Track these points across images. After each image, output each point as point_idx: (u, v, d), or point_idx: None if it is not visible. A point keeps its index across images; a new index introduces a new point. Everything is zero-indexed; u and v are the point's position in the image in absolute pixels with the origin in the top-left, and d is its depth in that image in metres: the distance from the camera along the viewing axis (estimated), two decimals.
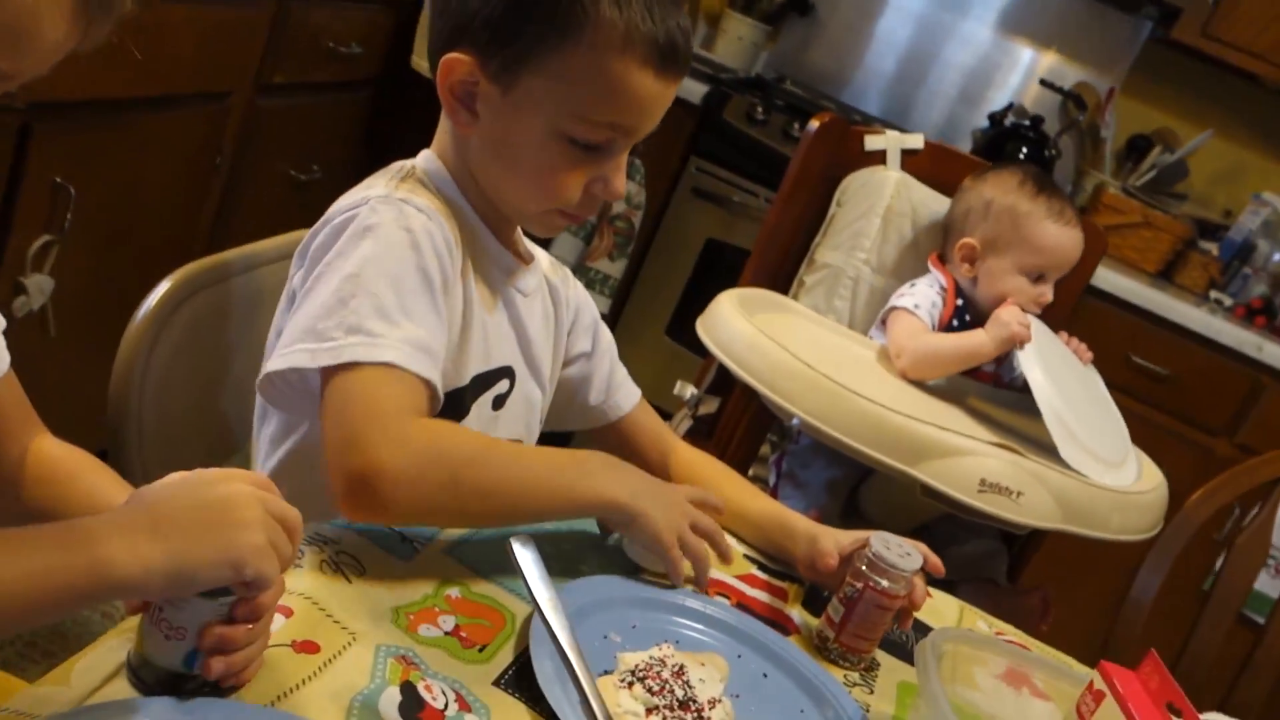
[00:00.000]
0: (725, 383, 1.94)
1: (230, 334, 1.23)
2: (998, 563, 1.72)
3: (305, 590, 0.85)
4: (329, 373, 0.93)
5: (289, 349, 0.95)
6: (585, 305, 1.28)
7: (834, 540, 1.12)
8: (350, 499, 0.89)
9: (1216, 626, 1.60)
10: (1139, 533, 1.51)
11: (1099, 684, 0.93)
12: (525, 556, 0.74)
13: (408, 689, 0.79)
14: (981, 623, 1.27)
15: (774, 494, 1.78)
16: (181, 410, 1.18)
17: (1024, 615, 1.64)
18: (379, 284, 0.95)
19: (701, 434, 1.93)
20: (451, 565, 0.96)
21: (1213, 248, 3.13)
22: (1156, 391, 2.80)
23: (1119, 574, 1.73)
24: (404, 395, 0.93)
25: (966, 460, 1.42)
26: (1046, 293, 1.72)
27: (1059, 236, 1.71)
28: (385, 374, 0.93)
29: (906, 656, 1.14)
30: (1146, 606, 1.61)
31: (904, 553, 1.06)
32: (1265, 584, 2.24)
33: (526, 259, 1.18)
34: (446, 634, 0.88)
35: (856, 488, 1.71)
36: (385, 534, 0.97)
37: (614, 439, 1.31)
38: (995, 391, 1.77)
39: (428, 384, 0.95)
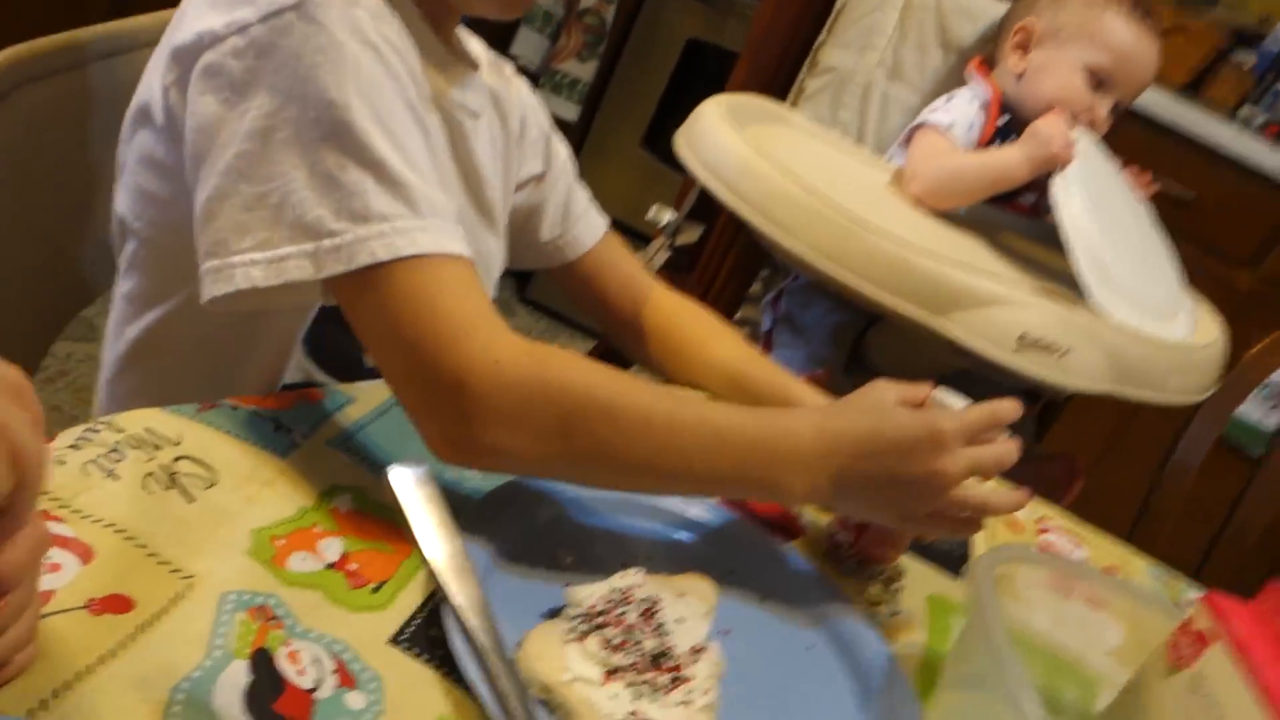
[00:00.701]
0: (709, 207, 1.65)
1: (78, 143, 0.94)
2: (1025, 422, 1.50)
3: (117, 517, 0.60)
4: (344, 281, 0.67)
5: (265, 252, 0.66)
6: (533, 112, 0.99)
7: None
8: (445, 434, 0.66)
9: (1267, 499, 1.40)
10: (1197, 393, 1.28)
11: (1202, 622, 0.70)
12: (410, 492, 0.49)
13: (261, 662, 0.55)
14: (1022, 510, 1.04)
15: (768, 341, 1.53)
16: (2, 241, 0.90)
17: (1047, 485, 1.42)
18: (370, 138, 0.67)
19: (681, 267, 1.67)
20: (343, 463, 0.71)
21: (1248, 59, 2.82)
22: (1176, 217, 2.53)
23: (1158, 435, 1.51)
24: (464, 291, 0.68)
25: (1004, 311, 1.16)
26: (1102, 106, 1.43)
27: (1138, 40, 1.40)
28: (426, 268, 0.67)
29: (938, 558, 0.91)
30: (1192, 472, 1.39)
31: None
32: None
33: (471, 64, 0.88)
34: (329, 567, 0.63)
35: (864, 333, 1.47)
36: (254, 421, 0.71)
37: (573, 282, 1.04)
38: (1036, 225, 1.50)
39: (471, 264, 0.70)
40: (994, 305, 1.16)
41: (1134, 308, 1.25)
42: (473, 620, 0.46)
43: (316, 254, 0.66)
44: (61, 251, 0.97)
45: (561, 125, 1.10)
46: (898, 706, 0.71)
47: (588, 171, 1.15)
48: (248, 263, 0.66)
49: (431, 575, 0.47)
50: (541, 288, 2.86)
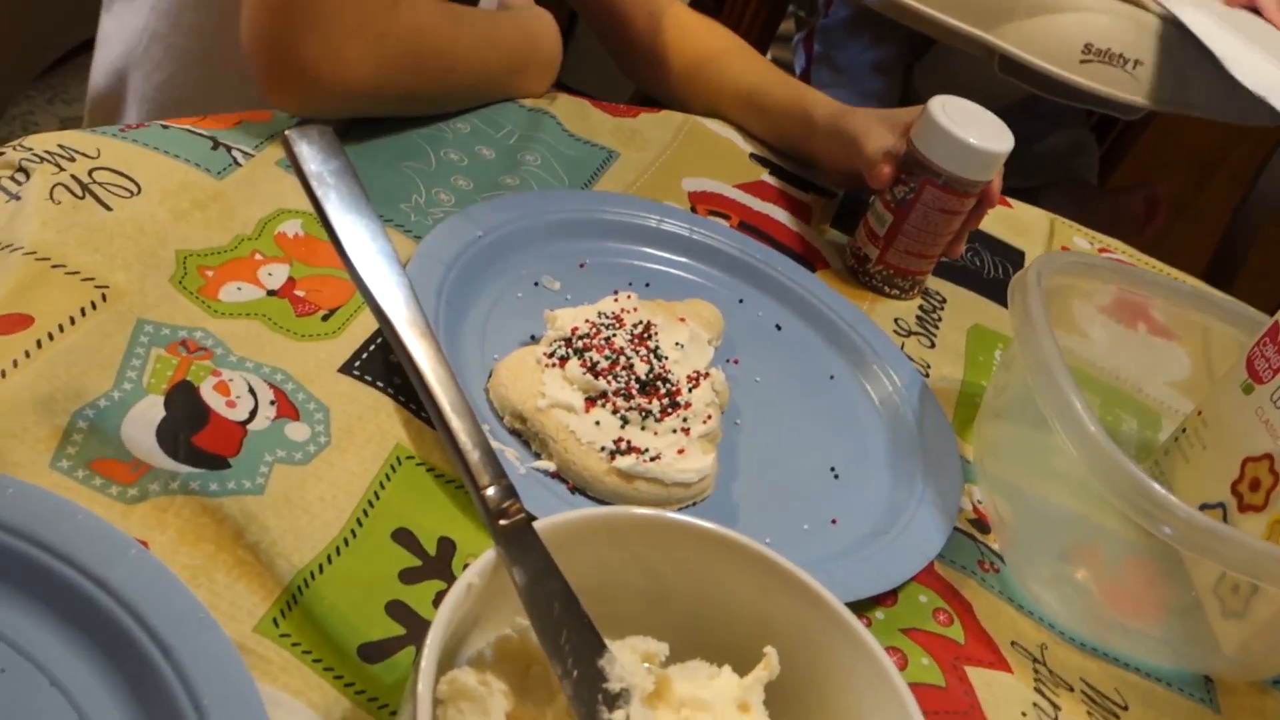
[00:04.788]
0: None
1: None
2: (1087, 158, 1.36)
3: (14, 235, 0.52)
4: None
5: None
6: None
7: (879, 134, 0.76)
8: (275, 78, 0.62)
9: None
10: None
11: None
12: (317, 167, 0.39)
13: (179, 396, 0.48)
14: (1080, 239, 0.94)
15: (804, 82, 1.39)
16: None
17: (1124, 219, 1.30)
18: None
19: (707, 8, 1.51)
20: (292, 184, 0.62)
21: None
22: None
23: (1238, 171, 1.37)
24: None
25: (1066, 18, 1.02)
26: None
27: None
28: None
29: (981, 286, 0.82)
30: (1265, 223, 1.26)
31: (980, 127, 0.71)
32: None
33: None
34: (271, 294, 0.55)
35: (910, 68, 1.32)
36: (187, 139, 0.62)
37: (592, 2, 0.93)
38: None
39: None
40: (1054, 11, 1.01)
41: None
42: (403, 330, 0.38)
43: None
44: None
45: None
46: (931, 438, 0.63)
47: None
48: None
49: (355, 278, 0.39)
50: (568, 69, 2.69)
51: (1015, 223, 0.91)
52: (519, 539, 0.37)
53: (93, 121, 0.84)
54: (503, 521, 0.37)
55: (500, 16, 0.77)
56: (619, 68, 0.97)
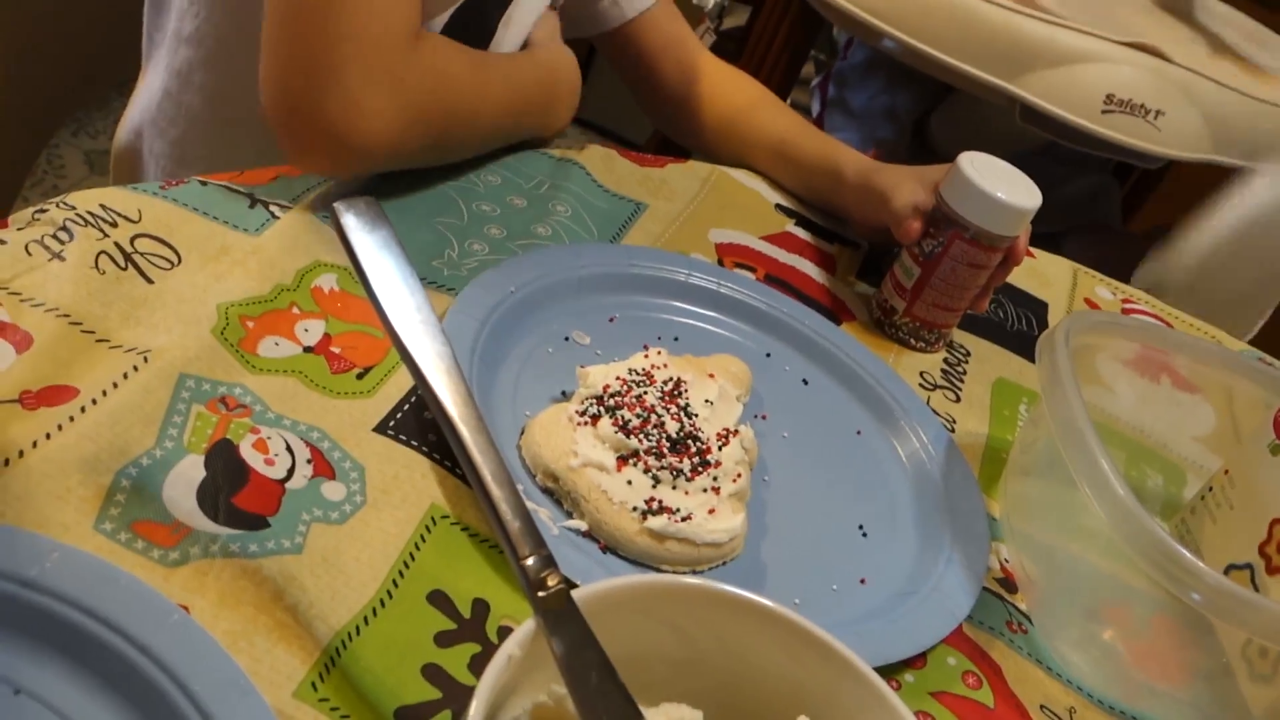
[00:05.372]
0: None
1: None
2: (1109, 202, 1.37)
3: (62, 301, 0.53)
4: None
5: None
6: None
7: (909, 190, 0.76)
8: (301, 141, 0.61)
9: None
10: None
11: None
12: (363, 237, 0.40)
13: (219, 455, 0.49)
14: (1103, 289, 0.94)
15: (819, 126, 1.41)
16: None
17: (1133, 264, 1.30)
18: None
19: (729, 53, 1.53)
20: (329, 238, 0.63)
21: None
22: None
23: None
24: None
25: (1089, 69, 1.02)
26: None
27: None
28: None
29: (1004, 339, 0.82)
30: None
31: (1008, 183, 0.72)
32: None
33: None
34: (307, 350, 0.56)
35: (925, 115, 1.33)
36: (226, 197, 0.63)
37: (626, 51, 0.94)
38: None
39: None
40: (1077, 62, 1.02)
41: None
42: (447, 400, 0.39)
43: None
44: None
45: None
46: (958, 495, 0.64)
47: None
48: None
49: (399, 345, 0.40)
50: (589, 105, 2.71)
51: (1038, 274, 0.92)
52: (558, 609, 0.38)
53: (117, 176, 0.86)
54: (541, 593, 0.38)
55: (519, 57, 0.78)
56: (646, 114, 0.99)
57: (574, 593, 0.38)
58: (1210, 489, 0.66)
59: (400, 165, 0.69)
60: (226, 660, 0.39)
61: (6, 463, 0.45)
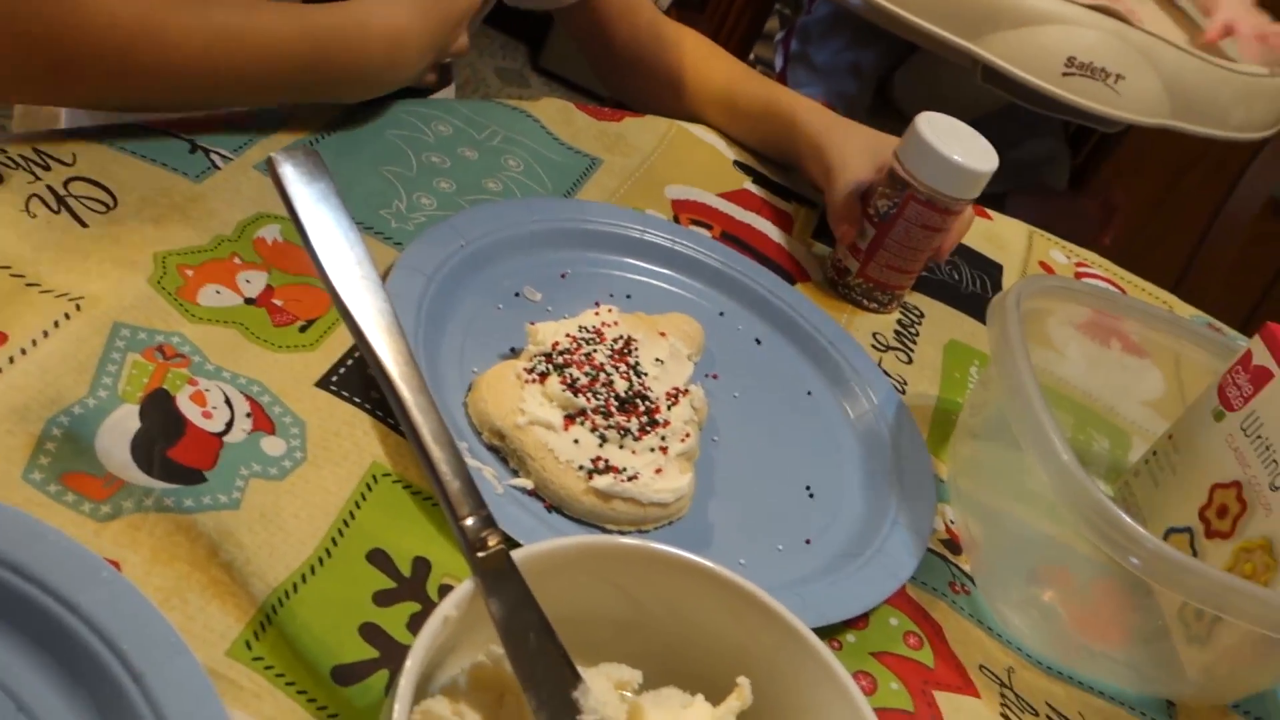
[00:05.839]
0: None
1: None
2: (1057, 167, 1.37)
3: None
4: None
5: None
6: None
7: (855, 169, 0.76)
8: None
9: None
10: (1262, 129, 1.15)
11: (1262, 357, 0.61)
12: (301, 189, 0.39)
13: (155, 405, 0.48)
14: (1057, 252, 0.94)
15: (781, 81, 1.39)
16: None
17: (1082, 224, 1.31)
18: None
19: (692, 6, 1.51)
20: (270, 187, 0.61)
21: None
22: None
23: (1212, 188, 1.38)
24: None
25: (1050, 31, 1.02)
26: None
27: None
28: None
29: (958, 300, 0.82)
30: (1245, 223, 1.27)
31: (966, 145, 0.71)
32: None
33: None
34: (248, 302, 0.55)
35: (889, 73, 1.32)
36: (165, 143, 0.61)
37: (579, 17, 0.91)
38: None
39: None
40: (1039, 24, 1.02)
41: None
42: (386, 359, 0.38)
43: None
44: None
45: None
46: (906, 457, 0.64)
47: None
48: None
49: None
50: (554, 56, 2.68)
51: (994, 237, 0.92)
52: (496, 570, 0.37)
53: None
54: (481, 553, 0.37)
55: (295, 10, 0.61)
56: (602, 83, 0.97)
57: (514, 553, 0.38)
58: (1154, 453, 0.67)
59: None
60: (158, 618, 0.38)
61: None
